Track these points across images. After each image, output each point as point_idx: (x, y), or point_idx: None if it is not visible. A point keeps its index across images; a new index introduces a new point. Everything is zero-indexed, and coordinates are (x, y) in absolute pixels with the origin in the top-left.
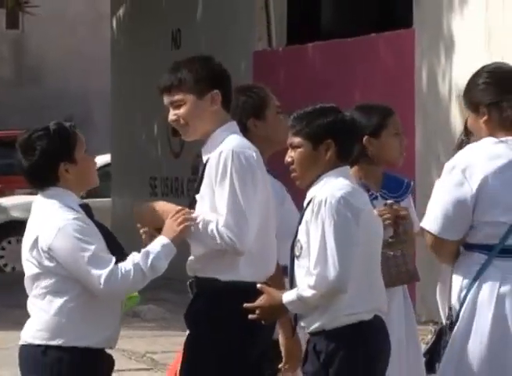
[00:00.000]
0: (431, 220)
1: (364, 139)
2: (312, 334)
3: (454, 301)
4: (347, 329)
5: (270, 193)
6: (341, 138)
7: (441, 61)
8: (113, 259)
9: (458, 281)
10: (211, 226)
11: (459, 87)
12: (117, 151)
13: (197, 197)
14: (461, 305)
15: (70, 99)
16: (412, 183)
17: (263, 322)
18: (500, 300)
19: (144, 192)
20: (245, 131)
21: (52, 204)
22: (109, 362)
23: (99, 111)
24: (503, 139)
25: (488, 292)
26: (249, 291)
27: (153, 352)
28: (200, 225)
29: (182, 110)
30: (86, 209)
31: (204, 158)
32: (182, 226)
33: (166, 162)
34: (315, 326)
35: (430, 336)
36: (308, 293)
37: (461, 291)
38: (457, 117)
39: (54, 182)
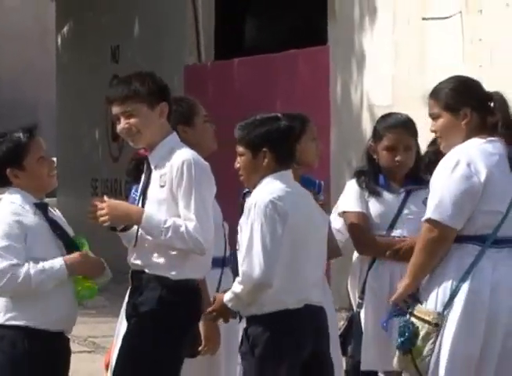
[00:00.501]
0: (441, 211)
1: None
2: (246, 319)
3: (446, 292)
4: (273, 315)
5: None
6: (277, 145)
7: (354, 75)
8: (12, 261)
9: (450, 273)
10: (182, 229)
11: (369, 98)
12: (62, 155)
13: (149, 199)
14: (454, 295)
15: (24, 109)
16: (323, 184)
17: (221, 322)
18: (493, 289)
19: (86, 192)
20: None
21: (5, 200)
22: (59, 345)
23: (48, 120)
24: (490, 139)
25: (481, 282)
26: (192, 287)
27: (94, 336)
28: (171, 229)
29: (134, 120)
30: (42, 207)
31: (153, 165)
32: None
33: (106, 165)
34: (247, 312)
35: (342, 322)
36: (238, 288)
37: (453, 282)
38: (368, 125)
39: (9, 184)
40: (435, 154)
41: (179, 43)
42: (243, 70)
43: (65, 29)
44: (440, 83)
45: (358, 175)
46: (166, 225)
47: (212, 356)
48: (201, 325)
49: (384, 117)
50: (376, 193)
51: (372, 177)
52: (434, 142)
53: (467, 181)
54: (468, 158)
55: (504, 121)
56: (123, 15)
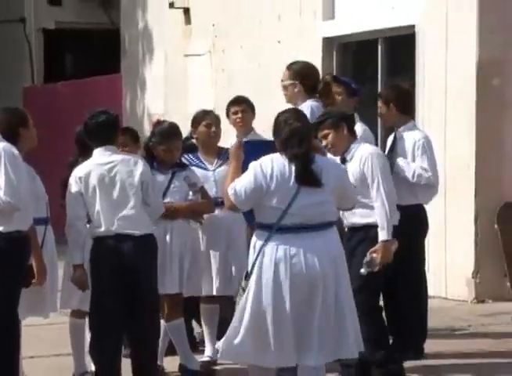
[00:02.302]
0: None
1: None
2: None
3: (248, 265)
4: None
5: (25, 172)
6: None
7: (138, 94)
8: None
9: (252, 248)
10: None
11: (148, 109)
12: None
13: None
14: (253, 267)
15: None
16: None
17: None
18: (276, 264)
19: None
20: (17, 136)
21: None
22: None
23: None
24: None
25: (268, 258)
26: (20, 236)
27: None
28: None
29: None
30: None
31: None
32: None
33: None
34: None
35: None
36: None
37: (253, 255)
38: (148, 129)
39: None
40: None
41: (19, 70)
42: (64, 90)
43: None
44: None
45: None
46: None
47: (40, 286)
48: (34, 262)
49: (157, 125)
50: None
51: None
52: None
53: (256, 180)
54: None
55: None
56: None
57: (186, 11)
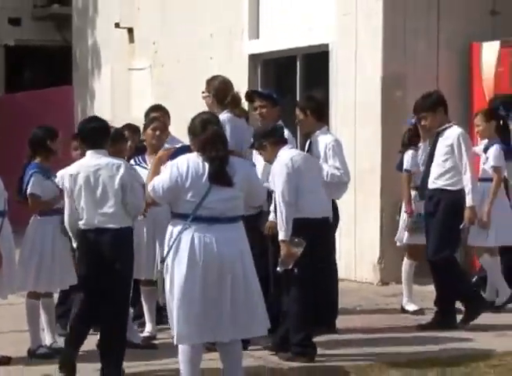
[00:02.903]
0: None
1: None
2: None
3: (166, 247)
4: None
5: None
6: None
7: (88, 103)
8: None
9: (168, 235)
10: None
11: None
12: None
13: None
14: (169, 251)
15: None
16: None
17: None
18: (190, 248)
19: None
20: None
21: None
22: None
23: None
24: None
25: (185, 244)
26: None
27: None
28: None
29: None
30: None
31: None
32: None
33: None
34: None
35: None
36: None
37: (169, 240)
38: None
39: None
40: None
41: None
42: (22, 100)
43: None
44: None
45: None
46: None
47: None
48: None
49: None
50: None
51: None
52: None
53: (171, 178)
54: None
55: None
56: None
57: (130, 30)
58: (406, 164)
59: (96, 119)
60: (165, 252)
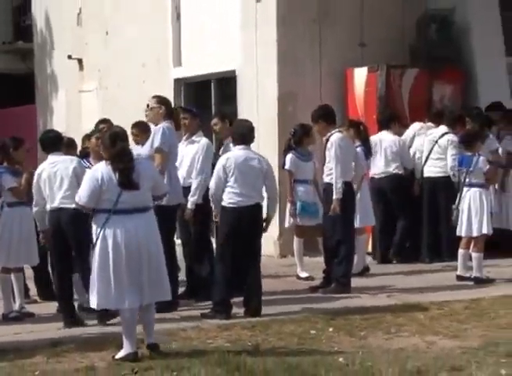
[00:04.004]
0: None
1: None
2: None
3: (94, 236)
4: None
5: None
6: None
7: (48, 120)
8: None
9: (94, 227)
10: None
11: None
12: None
13: None
14: (97, 239)
15: None
16: None
17: None
18: (116, 234)
19: None
20: None
21: None
22: None
23: None
24: None
25: (110, 231)
26: None
27: None
28: None
29: None
30: None
31: None
32: None
33: None
34: None
35: None
36: None
37: (96, 230)
38: None
39: None
40: None
41: None
42: None
43: None
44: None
45: None
46: None
47: None
48: None
49: None
50: None
51: None
52: None
53: (90, 185)
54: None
55: None
56: None
57: (80, 61)
58: (287, 165)
59: (53, 131)
60: (94, 240)
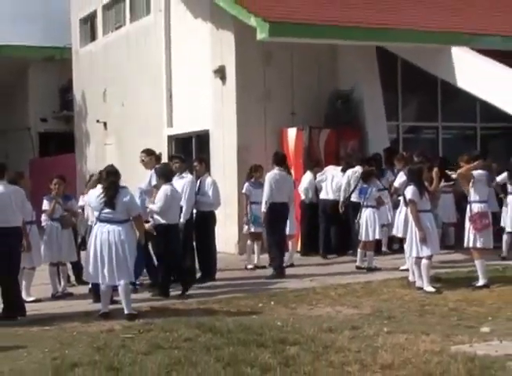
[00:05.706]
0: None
1: None
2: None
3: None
4: None
5: None
6: None
7: (83, 164)
8: None
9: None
10: None
11: None
12: None
13: None
14: (90, 235)
15: None
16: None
17: None
18: (97, 233)
19: None
20: None
21: None
22: None
23: None
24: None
25: (95, 231)
26: None
27: None
28: None
29: None
30: None
31: None
32: None
33: None
34: None
35: None
36: None
37: (91, 230)
38: None
39: None
40: None
41: None
42: (47, 162)
43: None
44: None
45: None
46: None
47: None
48: None
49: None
50: None
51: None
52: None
53: (92, 202)
54: None
55: None
56: None
57: (105, 123)
58: (244, 190)
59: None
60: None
